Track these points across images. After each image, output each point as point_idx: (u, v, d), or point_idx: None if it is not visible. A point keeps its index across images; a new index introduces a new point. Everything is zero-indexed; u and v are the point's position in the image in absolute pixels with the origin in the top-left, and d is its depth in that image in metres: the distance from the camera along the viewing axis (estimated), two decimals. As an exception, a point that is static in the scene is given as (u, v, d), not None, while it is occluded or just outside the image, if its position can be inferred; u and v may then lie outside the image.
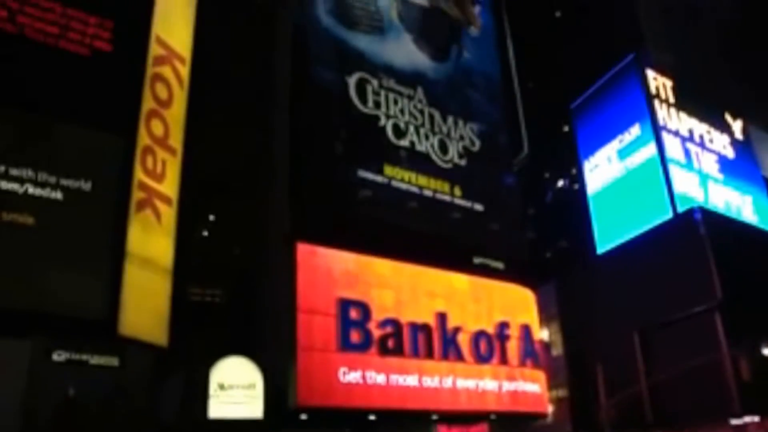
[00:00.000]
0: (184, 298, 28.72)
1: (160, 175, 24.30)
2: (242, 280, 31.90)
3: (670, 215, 43.59)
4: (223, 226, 33.63)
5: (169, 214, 24.60)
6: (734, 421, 37.50)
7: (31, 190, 20.56)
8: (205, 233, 34.00)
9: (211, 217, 33.78)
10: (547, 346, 36.71)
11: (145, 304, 22.65)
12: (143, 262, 22.58)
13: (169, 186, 24.85)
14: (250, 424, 25.71)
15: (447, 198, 33.89)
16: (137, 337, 22.02)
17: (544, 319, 39.84)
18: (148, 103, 24.32)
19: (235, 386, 26.23)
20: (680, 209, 43.22)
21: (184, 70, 27.11)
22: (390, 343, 28.23)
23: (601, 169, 50.66)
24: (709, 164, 49.97)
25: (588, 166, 52.11)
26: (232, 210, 33.01)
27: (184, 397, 25.90)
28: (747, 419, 36.99)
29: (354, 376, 26.81)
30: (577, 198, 52.90)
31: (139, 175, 23.12)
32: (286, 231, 28.58)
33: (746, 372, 28.20)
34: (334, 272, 28.07)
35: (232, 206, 32.90)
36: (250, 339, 29.08)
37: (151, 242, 23.41)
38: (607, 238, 48.32)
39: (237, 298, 31.46)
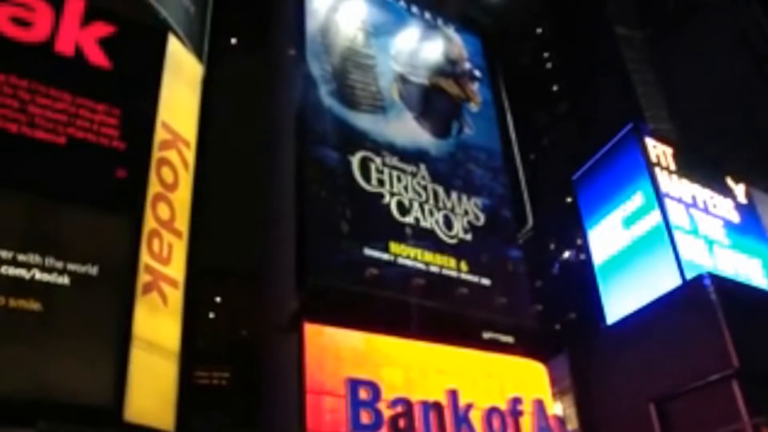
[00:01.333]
0: (191, 381, 28.42)
1: (167, 258, 24.32)
2: (249, 362, 31.64)
3: (679, 282, 43.32)
4: (230, 308, 33.59)
5: (175, 296, 24.49)
6: (758, 495, 36.38)
7: (38, 275, 20.58)
8: (212, 315, 33.93)
9: (218, 299, 33.76)
10: (561, 420, 35.81)
11: (152, 388, 22.29)
12: (149, 346, 22.35)
13: (176, 268, 24.83)
14: None
15: (453, 273, 33.78)
16: (144, 423, 21.57)
17: (557, 393, 39.08)
18: (154, 187, 24.58)
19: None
20: (689, 276, 42.98)
21: (190, 154, 27.46)
22: (401, 423, 27.56)
23: (607, 239, 50.54)
24: (715, 229, 49.86)
25: (593, 236, 52.01)
26: (239, 291, 33.01)
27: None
28: (772, 492, 35.90)
29: (366, 459, 26.24)
30: (584, 269, 52.68)
31: (146, 258, 23.17)
32: (293, 311, 28.41)
33: (768, 442, 27.39)
34: (341, 351, 27.72)
35: (239, 287, 32.91)
36: (257, 422, 28.58)
37: (158, 325, 23.21)
38: (616, 308, 47.86)
39: (244, 380, 31.14)
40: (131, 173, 24.02)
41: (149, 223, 23.85)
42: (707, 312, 38.06)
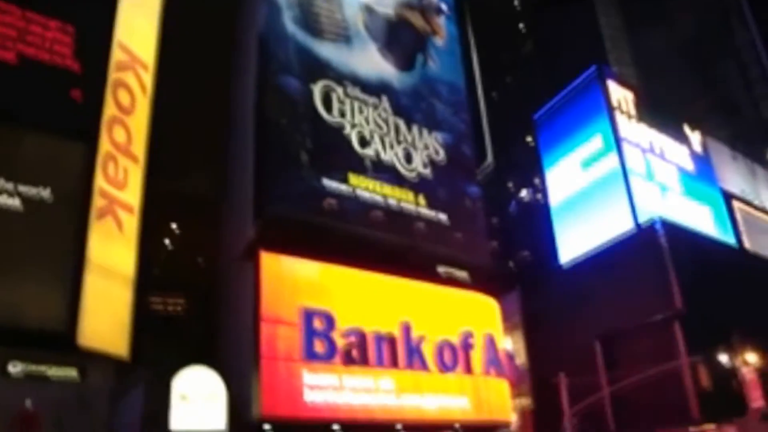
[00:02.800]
0: (146, 308, 28.39)
1: (122, 183, 23.97)
2: (206, 290, 31.63)
3: (631, 226, 44.26)
4: (186, 237, 33.34)
5: (131, 222, 24.26)
6: (693, 429, 38.15)
7: (-13, 197, 20.12)
8: (168, 243, 33.65)
9: (174, 227, 33.45)
10: (510, 355, 36.86)
11: (106, 314, 22.26)
12: (104, 271, 22.21)
13: (131, 194, 24.52)
14: (212, 436, 25.39)
15: (412, 208, 33.97)
16: (97, 348, 21.61)
17: (508, 328, 40.02)
18: (110, 110, 23.98)
19: (198, 397, 25.88)
20: (641, 220, 43.92)
21: (148, 78, 26.82)
22: (354, 353, 28.09)
23: (564, 180, 51.19)
24: (669, 176, 50.82)
25: (551, 176, 52.62)
26: (196, 220, 32.72)
27: (146, 409, 25.48)
28: (705, 427, 37.66)
29: (318, 387, 26.68)
30: (540, 208, 53.39)
31: (101, 182, 22.76)
32: (250, 240, 28.36)
33: (705, 380, 28.64)
34: (297, 281, 27.94)
35: (196, 216, 32.60)
36: (212, 349, 28.79)
37: (113, 250, 23.04)
38: (569, 248, 48.86)
39: (200, 308, 31.18)
40: (86, 95, 23.37)
41: (104, 146, 23.36)
42: (656, 256, 39.21)
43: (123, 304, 23.32)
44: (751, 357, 32.50)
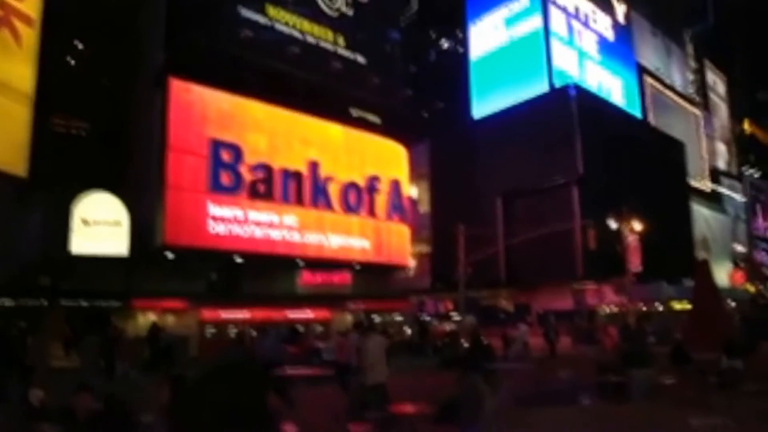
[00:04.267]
0: (48, 129, 27.42)
1: (20, -10, 22.38)
2: (111, 114, 30.64)
3: (546, 88, 45.03)
4: (93, 57, 31.78)
5: (29, 35, 22.85)
6: (576, 285, 40.98)
7: None
8: (72, 62, 32.04)
9: (80, 45, 31.79)
10: (414, 202, 37.95)
11: (1, 131, 21.43)
12: (-1, 86, 21.16)
13: (30, 4, 22.98)
14: (114, 261, 25.54)
15: (330, 47, 33.30)
16: (-8, 165, 20.95)
17: (415, 176, 40.90)
18: None
19: (100, 222, 25.81)
20: (557, 84, 44.69)
21: None
22: (260, 188, 28.36)
23: (486, 36, 51.02)
24: (589, 43, 51.42)
25: (474, 30, 52.29)
26: (105, 39, 31.11)
27: (46, 231, 25.29)
28: (587, 284, 40.51)
29: (222, 218, 27.01)
30: (459, 61, 53.29)
31: (-5, -13, 21.22)
32: (160, 64, 27.41)
33: (592, 242, 30.27)
34: (207, 112, 27.45)
35: (105, 35, 30.97)
36: (116, 175, 28.31)
37: (9, 65, 21.84)
38: (483, 103, 49.49)
39: (105, 133, 30.31)
40: None
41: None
42: (565, 121, 40.29)
43: (20, 122, 22.35)
44: (637, 225, 34.52)
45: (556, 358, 26.23)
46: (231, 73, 28.09)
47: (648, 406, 12.35)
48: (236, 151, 27.70)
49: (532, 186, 40.94)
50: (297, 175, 29.63)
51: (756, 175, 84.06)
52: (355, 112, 33.38)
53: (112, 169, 29.02)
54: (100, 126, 30.96)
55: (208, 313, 27.67)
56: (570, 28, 48.97)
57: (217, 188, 26.98)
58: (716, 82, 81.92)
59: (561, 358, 26.86)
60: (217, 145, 27.16)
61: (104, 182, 26.39)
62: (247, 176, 27.97)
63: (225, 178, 27.31)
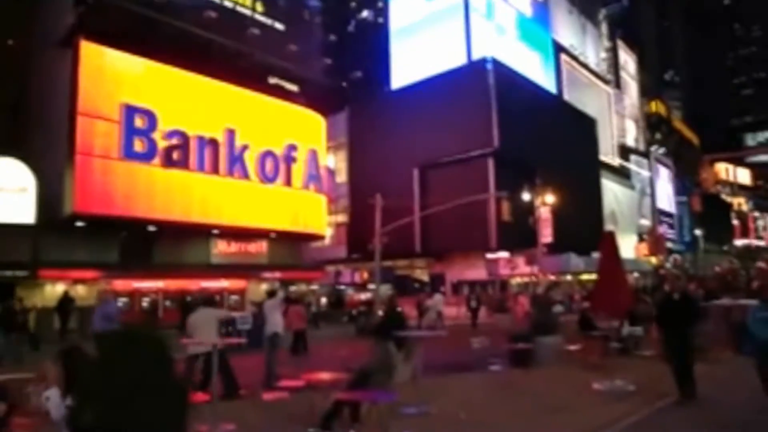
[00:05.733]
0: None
1: None
2: (16, 75, 29.28)
3: (464, 61, 45.54)
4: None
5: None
6: (489, 256, 41.95)
7: None
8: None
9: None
10: (331, 172, 37.88)
11: None
12: None
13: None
14: (20, 229, 24.66)
15: (247, 12, 32.80)
16: None
17: (332, 146, 40.89)
18: None
19: (4, 189, 24.85)
20: (474, 57, 45.24)
21: None
22: (175, 155, 27.76)
23: (407, 7, 51.07)
24: (508, 18, 52.18)
25: (394, 1, 52.26)
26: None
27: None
28: (500, 254, 41.52)
29: (135, 186, 26.34)
30: (379, 32, 53.19)
31: None
32: (70, 25, 26.35)
33: (506, 214, 30.93)
34: (120, 76, 26.57)
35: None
36: (22, 140, 27.20)
37: None
38: (402, 74, 49.65)
39: (8, 95, 28.96)
40: None
41: None
42: (482, 94, 40.87)
43: None
44: (549, 198, 35.58)
45: (476, 327, 26.96)
46: (145, 36, 27.28)
47: (555, 372, 12.93)
48: (150, 118, 26.98)
49: (449, 157, 41.45)
50: (213, 143, 29.11)
51: (660, 152, 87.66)
52: (272, 80, 33.01)
53: (18, 133, 27.86)
54: (4, 89, 29.57)
55: (119, 284, 27.10)
56: (489, 2, 49.55)
57: (130, 155, 26.26)
58: (627, 61, 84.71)
59: (476, 327, 27.66)
60: (130, 110, 26.39)
61: (8, 147, 25.34)
62: (161, 143, 27.30)
63: (138, 145, 26.61)
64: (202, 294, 26.08)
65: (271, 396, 10.06)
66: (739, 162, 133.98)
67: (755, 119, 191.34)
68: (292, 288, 32.05)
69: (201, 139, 28.62)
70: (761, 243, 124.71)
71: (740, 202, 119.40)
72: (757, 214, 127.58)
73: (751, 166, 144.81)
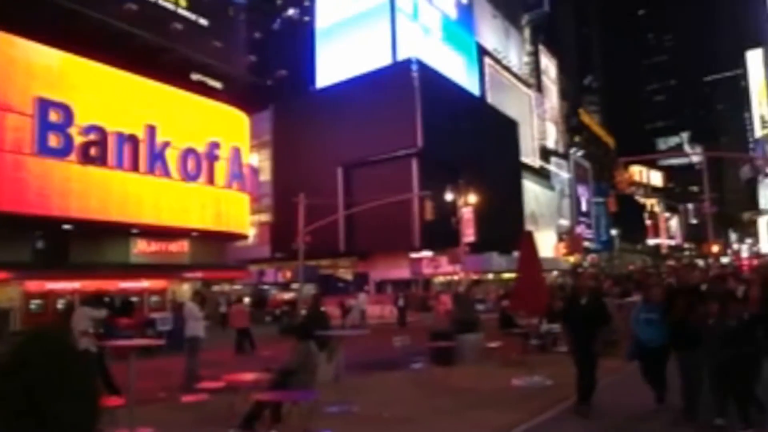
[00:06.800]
0: None
1: None
2: None
3: (389, 61, 45.76)
4: None
5: None
6: (413, 255, 42.28)
7: None
8: None
9: None
10: (255, 171, 37.36)
11: None
12: None
13: None
14: None
15: (170, 6, 32.07)
16: None
17: (256, 145, 40.37)
18: None
19: None
20: (400, 57, 45.51)
21: None
22: (93, 151, 26.78)
23: (333, 5, 50.94)
24: (433, 20, 52.69)
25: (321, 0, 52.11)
26: None
27: None
28: (423, 254, 41.91)
29: (50, 183, 25.33)
30: (305, 30, 52.89)
31: None
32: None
33: (429, 213, 31.17)
34: (34, 69, 25.47)
35: None
36: None
37: None
38: (327, 73, 49.51)
39: None
40: None
41: None
42: (407, 94, 41.17)
43: None
44: (472, 198, 36.09)
45: (404, 326, 27.07)
46: (62, 28, 26.31)
47: (476, 369, 13.11)
48: (66, 112, 25.92)
49: (373, 157, 41.61)
50: (133, 139, 28.16)
51: (579, 154, 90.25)
52: (195, 76, 32.41)
53: None
54: None
55: (32, 285, 26.04)
56: (415, 4, 49.95)
57: (44, 151, 25.19)
58: (549, 66, 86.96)
59: (400, 326, 27.78)
60: (44, 104, 25.31)
61: None
62: (78, 139, 26.31)
63: (53, 140, 25.55)
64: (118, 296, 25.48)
65: (191, 398, 9.88)
66: (652, 165, 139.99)
67: (666, 124, 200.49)
68: (215, 288, 31.55)
69: (120, 135, 27.67)
70: (672, 242, 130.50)
71: (653, 203, 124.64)
72: (668, 214, 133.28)
73: (663, 169, 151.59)
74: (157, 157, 29.10)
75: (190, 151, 30.50)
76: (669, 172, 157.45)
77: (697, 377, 7.53)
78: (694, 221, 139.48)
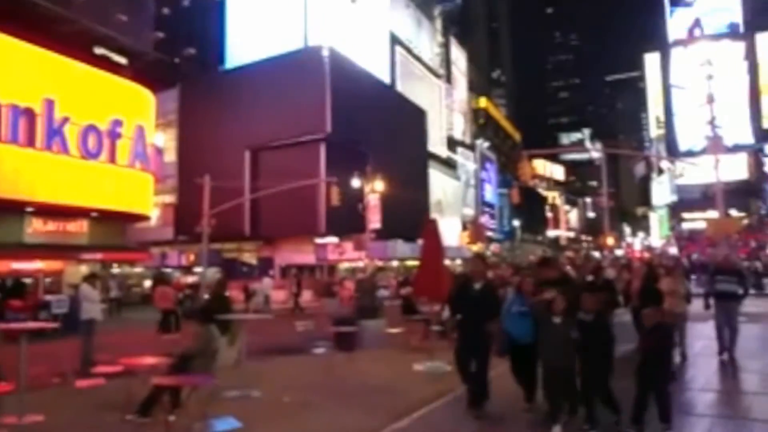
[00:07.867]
0: None
1: None
2: None
3: (301, 45, 45.39)
4: None
5: None
6: (318, 240, 42.30)
7: None
8: None
9: None
10: (160, 151, 36.27)
11: None
12: None
13: None
14: None
15: (73, -24, 30.67)
16: None
17: (162, 124, 39.23)
18: None
19: None
20: (311, 42, 45.21)
21: None
22: (-10, 127, 25.35)
23: (245, -15, 50.19)
24: (346, 5, 52.53)
25: (233, -21, 51.19)
26: None
27: None
28: (328, 239, 42.00)
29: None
30: (215, 8, 51.73)
31: None
32: None
33: (336, 199, 31.28)
34: None
35: None
36: None
37: None
38: (238, 53, 48.72)
39: None
40: None
41: None
42: (317, 79, 40.97)
43: None
44: (379, 185, 36.44)
45: (302, 311, 27.14)
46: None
47: (378, 354, 13.31)
48: (-47, 82, 24.44)
49: (282, 141, 41.32)
50: (29, 113, 26.69)
51: (485, 145, 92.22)
52: (99, 50, 31.16)
53: None
54: None
55: None
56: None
57: (-73, 122, 23.72)
58: (459, 58, 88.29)
59: (302, 311, 27.84)
60: (-72, 72, 23.79)
61: None
62: (-33, 111, 24.84)
63: (-63, 111, 24.05)
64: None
65: (86, 383, 9.62)
66: (554, 159, 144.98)
67: (569, 120, 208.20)
68: (115, 270, 30.59)
69: (15, 108, 26.17)
70: (571, 234, 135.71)
71: (554, 196, 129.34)
72: (567, 207, 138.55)
73: (565, 163, 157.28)
74: (55, 133, 27.73)
75: (91, 128, 29.19)
76: (570, 166, 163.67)
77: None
78: (591, 214, 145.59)
